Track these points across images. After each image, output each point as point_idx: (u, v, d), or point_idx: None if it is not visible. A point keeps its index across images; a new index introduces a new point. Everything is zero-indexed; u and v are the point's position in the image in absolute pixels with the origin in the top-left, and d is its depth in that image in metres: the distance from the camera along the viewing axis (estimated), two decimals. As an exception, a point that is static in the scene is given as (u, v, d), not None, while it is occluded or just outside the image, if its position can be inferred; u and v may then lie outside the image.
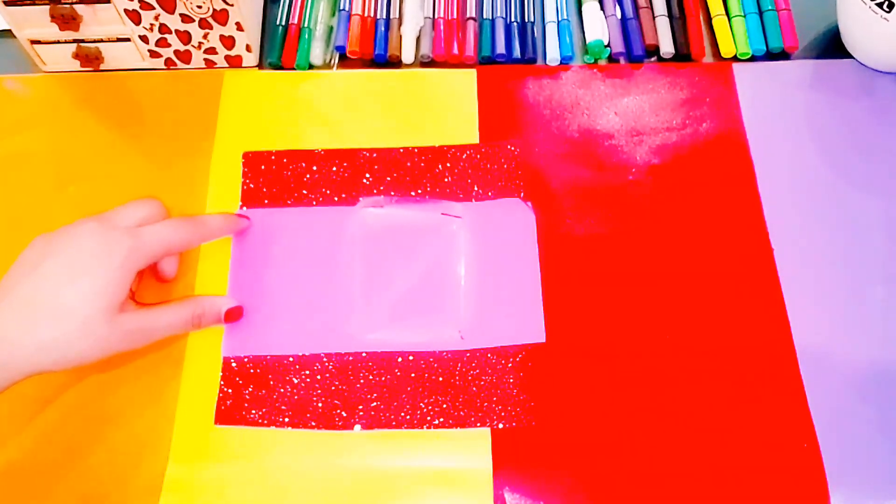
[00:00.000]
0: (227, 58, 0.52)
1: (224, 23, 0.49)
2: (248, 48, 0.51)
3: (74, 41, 0.51)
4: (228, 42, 0.51)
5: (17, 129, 0.51)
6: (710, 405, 0.43)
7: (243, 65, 0.53)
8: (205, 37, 0.50)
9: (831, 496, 0.40)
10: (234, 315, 0.44)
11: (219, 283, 0.46)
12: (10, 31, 0.50)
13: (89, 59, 0.51)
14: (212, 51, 0.52)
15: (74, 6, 0.48)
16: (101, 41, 0.51)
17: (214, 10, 0.48)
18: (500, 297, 0.45)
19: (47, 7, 0.48)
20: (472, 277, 0.45)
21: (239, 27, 0.50)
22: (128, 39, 0.51)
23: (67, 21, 0.49)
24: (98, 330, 0.38)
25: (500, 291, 0.45)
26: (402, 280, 0.45)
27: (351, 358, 0.43)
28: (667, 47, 0.53)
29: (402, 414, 0.42)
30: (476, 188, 0.48)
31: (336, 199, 0.48)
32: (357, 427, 0.42)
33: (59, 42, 0.51)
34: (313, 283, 0.45)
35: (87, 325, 0.37)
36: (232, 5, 0.48)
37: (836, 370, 0.44)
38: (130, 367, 0.44)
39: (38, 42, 0.51)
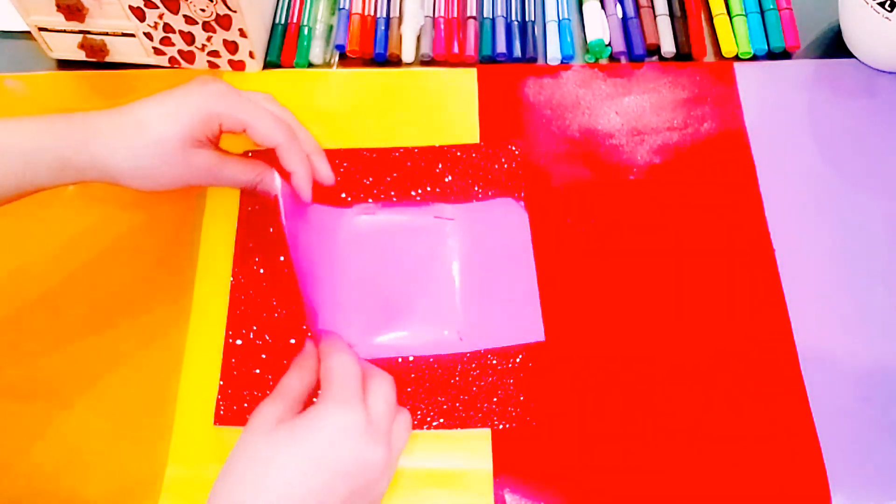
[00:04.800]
0: (230, 62, 0.52)
1: (227, 28, 0.49)
2: (251, 55, 0.51)
3: (80, 32, 0.51)
4: (232, 47, 0.51)
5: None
6: (711, 405, 0.43)
7: (247, 70, 0.53)
8: (208, 39, 0.50)
9: (833, 496, 0.40)
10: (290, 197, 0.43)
11: (219, 285, 0.46)
12: (16, 31, 0.50)
13: (94, 50, 0.51)
14: (215, 54, 0.51)
15: None
16: (107, 34, 0.51)
17: (218, 14, 0.48)
18: (498, 298, 0.45)
19: None
20: (468, 279, 0.45)
21: (242, 34, 0.49)
22: (132, 35, 0.51)
23: (73, 12, 0.49)
24: (168, 151, 0.40)
25: (497, 292, 0.45)
26: (398, 284, 0.45)
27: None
28: (668, 46, 0.53)
29: (403, 414, 0.42)
30: (476, 188, 0.48)
31: (336, 198, 0.48)
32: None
33: (65, 31, 0.51)
34: (312, 283, 0.45)
35: (160, 144, 0.40)
36: (235, 12, 0.48)
37: (838, 370, 0.43)
38: (130, 367, 0.44)
39: (45, 29, 0.51)
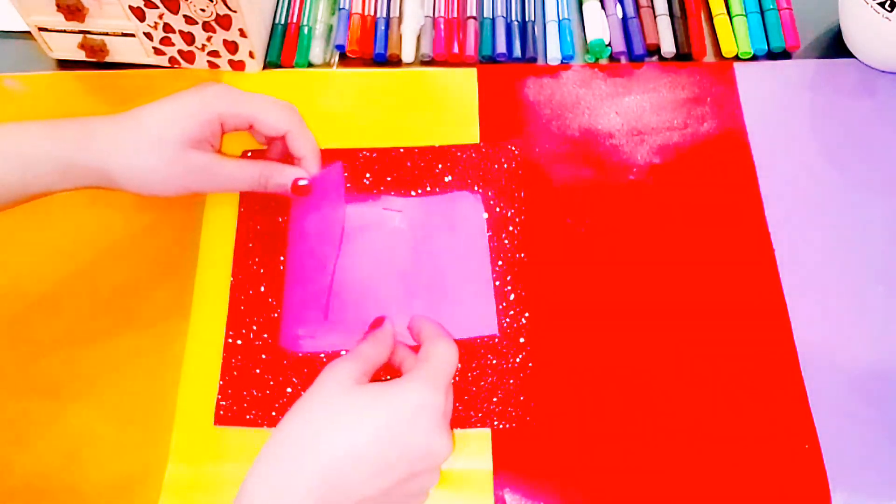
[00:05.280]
0: (230, 62, 0.52)
1: (227, 28, 0.49)
2: (251, 55, 0.51)
3: (80, 32, 0.51)
4: (231, 47, 0.51)
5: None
6: (711, 406, 0.43)
7: (246, 70, 0.53)
8: (208, 39, 0.50)
9: (832, 497, 0.40)
10: (301, 189, 0.44)
11: (219, 285, 0.46)
12: (16, 31, 0.50)
13: (94, 50, 0.51)
14: (215, 54, 0.52)
15: None
16: (107, 34, 0.51)
17: (218, 14, 0.48)
18: (451, 291, 0.45)
19: None
20: (416, 272, 0.45)
21: (242, 34, 0.49)
22: (132, 35, 0.51)
23: (73, 12, 0.49)
24: (168, 152, 0.40)
25: (450, 285, 0.45)
26: (358, 278, 0.45)
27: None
28: (668, 46, 0.53)
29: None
30: (476, 188, 0.48)
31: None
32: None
33: (65, 31, 0.51)
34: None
35: (160, 145, 0.40)
36: (235, 12, 0.48)
37: (838, 370, 0.43)
38: (131, 367, 0.44)
39: (45, 29, 0.51)
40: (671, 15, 0.55)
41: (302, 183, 0.44)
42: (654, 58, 0.54)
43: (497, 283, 0.45)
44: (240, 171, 0.43)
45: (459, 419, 0.42)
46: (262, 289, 0.45)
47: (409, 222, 0.47)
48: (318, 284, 0.45)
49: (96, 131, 0.40)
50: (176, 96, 0.42)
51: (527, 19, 0.55)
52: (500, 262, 0.46)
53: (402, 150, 0.49)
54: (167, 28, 0.50)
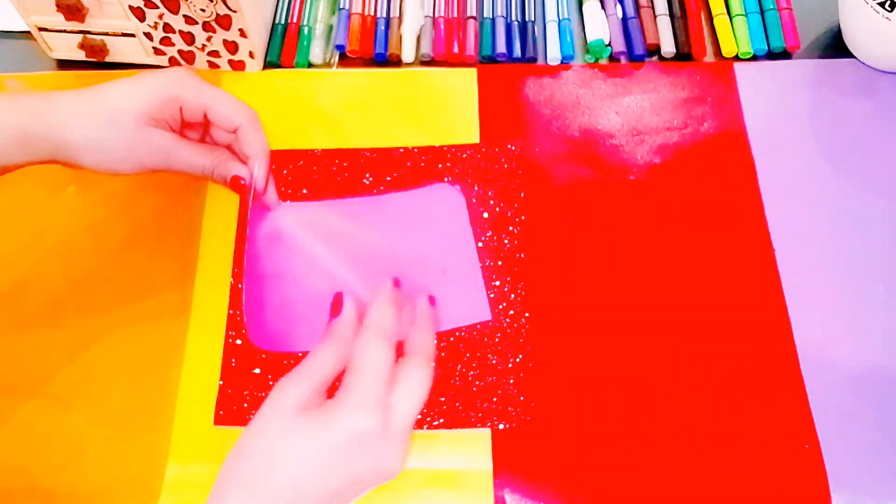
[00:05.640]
0: (230, 62, 0.52)
1: (227, 28, 0.49)
2: (251, 55, 0.51)
3: (80, 32, 0.51)
4: (231, 47, 0.51)
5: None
6: (711, 406, 0.43)
7: (246, 70, 0.53)
8: (208, 39, 0.50)
9: (832, 496, 0.40)
10: (240, 187, 0.44)
11: (219, 285, 0.46)
12: (16, 31, 0.51)
13: (94, 50, 0.52)
14: (215, 54, 0.52)
15: None
16: (107, 34, 0.51)
17: (218, 14, 0.48)
18: (438, 283, 0.45)
19: None
20: (406, 266, 0.45)
21: (242, 34, 0.50)
22: (132, 35, 0.51)
23: (73, 12, 0.49)
24: (125, 126, 0.40)
25: (436, 277, 0.45)
26: (336, 276, 0.45)
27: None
28: (668, 46, 0.53)
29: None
30: (476, 188, 0.48)
31: (332, 199, 0.48)
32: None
33: (65, 31, 0.51)
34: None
35: (117, 117, 0.40)
36: (235, 12, 0.48)
37: (838, 370, 0.44)
38: (131, 367, 0.44)
39: (45, 29, 0.51)
40: (671, 15, 0.55)
41: (242, 182, 0.44)
42: (654, 58, 0.54)
43: (496, 281, 0.45)
44: (194, 156, 0.43)
45: (459, 419, 0.42)
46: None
47: (388, 219, 0.47)
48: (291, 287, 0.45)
49: (55, 102, 0.40)
50: (139, 75, 0.42)
51: (527, 19, 0.55)
52: (499, 262, 0.46)
53: (402, 150, 0.49)
54: (167, 28, 0.50)
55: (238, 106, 0.43)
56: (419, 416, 0.42)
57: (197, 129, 0.45)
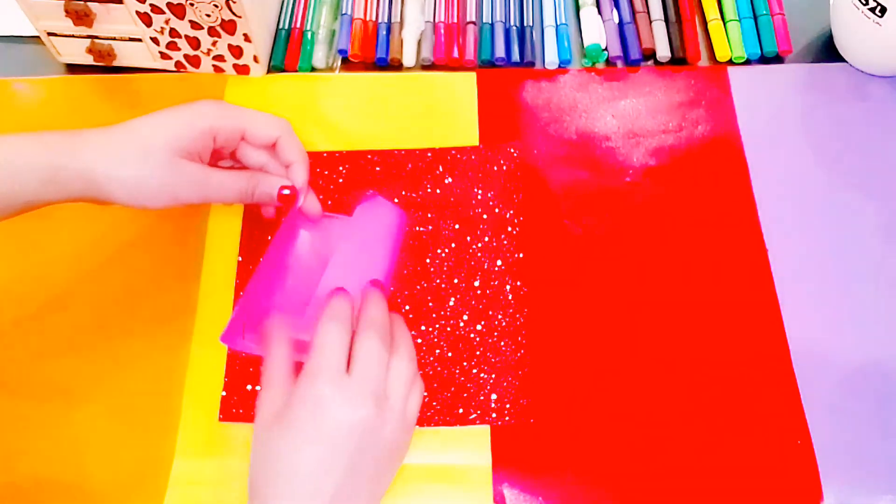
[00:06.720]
0: (234, 66, 0.53)
1: (232, 32, 0.50)
2: (255, 59, 0.52)
3: (88, 37, 0.52)
4: (236, 51, 0.52)
5: (26, 129, 0.52)
6: (705, 403, 0.43)
7: (251, 74, 0.53)
8: (213, 44, 0.51)
9: (824, 492, 0.41)
10: (287, 199, 0.44)
11: (224, 283, 0.47)
12: (25, 36, 0.51)
13: (102, 54, 0.52)
14: (220, 58, 0.52)
15: (88, 3, 0.49)
16: (114, 39, 0.52)
17: (223, 19, 0.49)
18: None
19: (62, 2, 0.49)
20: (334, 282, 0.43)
21: (247, 38, 0.50)
22: (139, 40, 0.51)
23: (81, 17, 0.49)
24: (157, 160, 0.40)
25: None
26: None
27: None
28: (663, 51, 0.54)
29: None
30: (476, 189, 0.49)
31: (333, 201, 0.48)
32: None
33: (73, 36, 0.52)
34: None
35: (149, 152, 0.40)
36: (240, 17, 0.49)
37: (830, 368, 0.44)
38: (138, 365, 0.44)
39: (54, 34, 0.52)
40: (666, 20, 0.55)
41: (286, 193, 0.44)
42: (650, 62, 0.55)
43: (495, 281, 0.46)
44: (230, 181, 0.43)
45: (459, 416, 0.43)
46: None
47: (336, 236, 0.46)
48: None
49: (86, 140, 0.40)
50: (169, 108, 0.42)
51: (525, 24, 0.56)
52: (499, 262, 0.47)
53: (403, 153, 0.50)
54: (173, 33, 0.50)
55: (272, 119, 0.44)
56: (419, 417, 0.42)
57: (226, 158, 0.45)
